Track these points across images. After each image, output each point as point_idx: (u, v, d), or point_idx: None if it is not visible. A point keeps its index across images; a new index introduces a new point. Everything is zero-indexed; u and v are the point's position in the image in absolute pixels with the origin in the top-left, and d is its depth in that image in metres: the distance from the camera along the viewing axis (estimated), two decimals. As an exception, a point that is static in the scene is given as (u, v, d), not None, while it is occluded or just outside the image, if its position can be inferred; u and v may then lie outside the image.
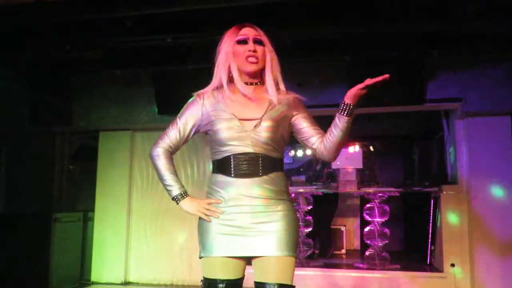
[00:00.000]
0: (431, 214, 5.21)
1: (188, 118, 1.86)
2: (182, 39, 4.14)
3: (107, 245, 5.33)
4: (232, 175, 1.76)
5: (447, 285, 4.57)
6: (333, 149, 1.80)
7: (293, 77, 4.70)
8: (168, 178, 1.86)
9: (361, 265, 5.15)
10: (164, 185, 1.88)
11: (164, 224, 5.32)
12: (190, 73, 4.59)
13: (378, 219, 5.22)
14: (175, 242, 5.26)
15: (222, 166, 1.78)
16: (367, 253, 5.24)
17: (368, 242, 5.26)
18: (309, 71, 4.79)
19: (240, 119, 1.77)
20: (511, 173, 4.50)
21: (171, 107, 5.00)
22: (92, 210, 5.47)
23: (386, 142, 7.78)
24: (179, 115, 1.89)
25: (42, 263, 4.83)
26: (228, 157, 1.76)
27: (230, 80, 1.85)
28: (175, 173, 1.88)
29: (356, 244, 7.12)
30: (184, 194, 1.85)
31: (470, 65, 4.56)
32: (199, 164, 5.35)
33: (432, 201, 5.21)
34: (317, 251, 5.95)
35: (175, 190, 1.85)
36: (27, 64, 4.96)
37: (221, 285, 1.72)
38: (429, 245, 5.25)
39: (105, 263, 5.32)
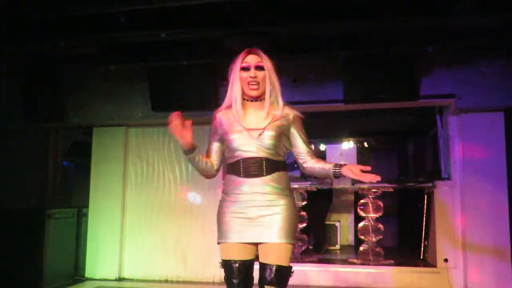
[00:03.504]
0: (425, 209, 5.24)
1: (213, 134, 2.29)
2: (176, 35, 4.13)
3: (101, 241, 5.33)
4: (242, 176, 2.13)
5: (441, 280, 4.61)
6: (311, 175, 2.38)
7: (288, 73, 4.69)
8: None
9: (355, 261, 5.18)
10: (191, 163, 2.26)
11: (158, 220, 5.32)
12: (184, 69, 4.56)
13: (372, 215, 5.25)
14: (169, 238, 5.26)
15: (234, 168, 2.17)
16: (361, 248, 5.26)
17: (362, 237, 5.28)
18: (304, 67, 4.77)
19: (247, 129, 2.14)
20: (504, 169, 4.54)
21: (165, 103, 5.03)
22: (86, 206, 5.46)
23: (380, 138, 7.79)
24: (210, 132, 2.31)
25: (36, 259, 4.81)
26: (238, 161, 2.15)
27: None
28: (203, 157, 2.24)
29: (350, 239, 7.16)
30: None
31: (464, 62, 4.58)
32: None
33: (425, 197, 5.23)
34: (311, 247, 5.97)
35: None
36: (21, 59, 4.93)
37: (235, 265, 2.09)
38: (423, 241, 5.29)
39: (99, 259, 5.32)
